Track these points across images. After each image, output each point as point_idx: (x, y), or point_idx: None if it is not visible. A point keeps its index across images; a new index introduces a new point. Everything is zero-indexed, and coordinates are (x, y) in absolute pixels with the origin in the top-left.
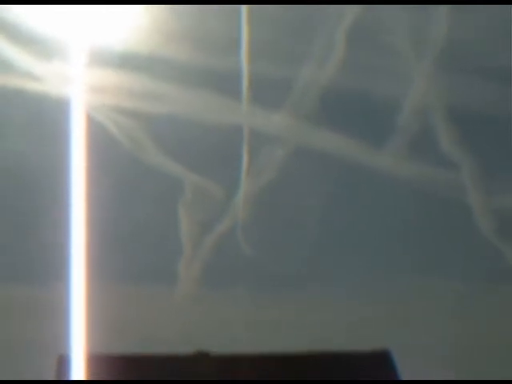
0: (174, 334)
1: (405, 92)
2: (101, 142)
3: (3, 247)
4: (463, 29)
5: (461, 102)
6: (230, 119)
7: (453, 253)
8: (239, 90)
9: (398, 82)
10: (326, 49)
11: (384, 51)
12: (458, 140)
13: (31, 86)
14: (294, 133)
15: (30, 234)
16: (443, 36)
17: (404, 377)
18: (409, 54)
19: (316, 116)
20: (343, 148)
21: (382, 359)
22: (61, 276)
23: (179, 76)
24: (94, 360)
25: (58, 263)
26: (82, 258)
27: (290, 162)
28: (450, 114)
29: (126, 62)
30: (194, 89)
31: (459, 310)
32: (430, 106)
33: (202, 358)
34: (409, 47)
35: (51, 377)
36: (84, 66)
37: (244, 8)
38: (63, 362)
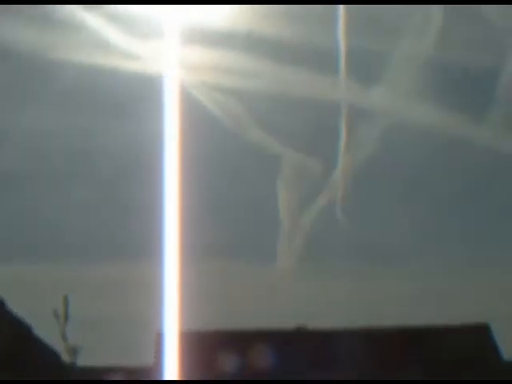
0: (274, 309)
1: (504, 64)
2: (199, 119)
3: (99, 226)
4: None
5: None
6: (327, 95)
7: None
8: (337, 65)
9: (496, 54)
10: (423, 22)
11: (479, 23)
12: None
13: (130, 65)
14: (392, 107)
15: (126, 212)
16: None
17: (504, 350)
18: (503, 25)
19: (413, 90)
20: (442, 122)
21: (482, 333)
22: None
23: (276, 53)
24: (190, 336)
25: (155, 240)
26: (178, 235)
27: (388, 136)
28: None
29: (224, 40)
30: (292, 65)
31: None
32: None
33: (301, 333)
34: (502, 18)
35: (151, 352)
36: (182, 45)
37: None
38: (161, 339)
